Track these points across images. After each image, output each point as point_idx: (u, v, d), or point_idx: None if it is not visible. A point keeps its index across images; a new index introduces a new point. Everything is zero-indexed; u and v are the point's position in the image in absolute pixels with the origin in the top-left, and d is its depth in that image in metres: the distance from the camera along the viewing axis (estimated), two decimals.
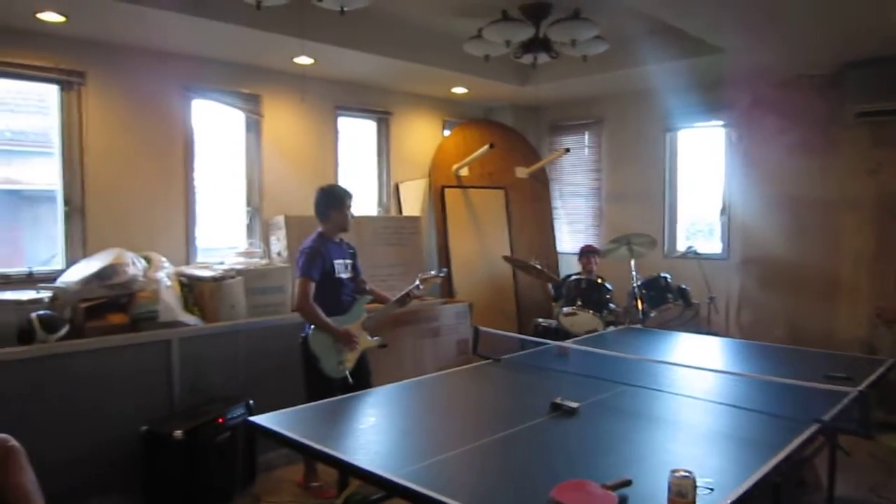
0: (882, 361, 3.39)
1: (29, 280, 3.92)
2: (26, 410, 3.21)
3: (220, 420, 3.58)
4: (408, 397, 2.88)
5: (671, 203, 6.22)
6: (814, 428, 2.27)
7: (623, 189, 6.48)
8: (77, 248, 4.18)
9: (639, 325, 4.83)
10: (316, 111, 5.42)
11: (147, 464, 3.43)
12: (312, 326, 3.57)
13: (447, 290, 5.74)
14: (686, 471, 1.66)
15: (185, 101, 4.67)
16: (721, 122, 5.84)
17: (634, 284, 5.13)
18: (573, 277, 5.43)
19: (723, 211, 5.83)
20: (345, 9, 3.51)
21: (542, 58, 4.55)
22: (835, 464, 2.99)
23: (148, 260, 4.03)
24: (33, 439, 2.79)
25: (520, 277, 6.20)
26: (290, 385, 3.64)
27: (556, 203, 7.01)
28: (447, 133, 6.47)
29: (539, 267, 5.42)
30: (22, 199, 4.28)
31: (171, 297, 3.89)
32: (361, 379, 3.66)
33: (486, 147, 5.79)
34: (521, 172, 6.63)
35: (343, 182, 5.40)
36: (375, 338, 3.79)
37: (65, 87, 4.14)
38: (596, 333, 4.52)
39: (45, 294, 3.59)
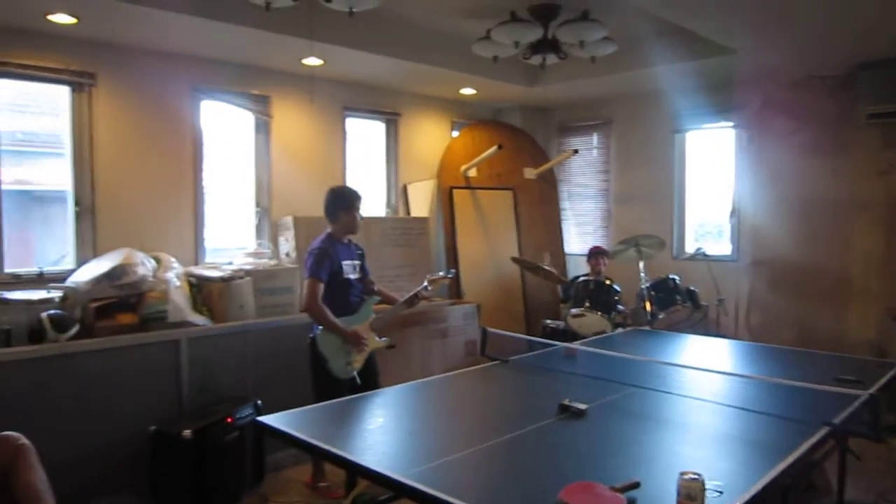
0: (893, 364, 3.36)
1: (39, 280, 3.95)
2: (36, 409, 3.23)
3: (229, 420, 3.60)
4: (416, 398, 2.88)
5: (680, 204, 6.20)
6: (824, 431, 2.26)
7: (632, 190, 6.46)
8: (87, 248, 4.21)
9: (647, 327, 4.81)
10: (325, 112, 5.43)
11: (155, 463, 3.45)
12: (321, 327, 3.57)
13: (455, 291, 5.73)
14: (695, 473, 1.65)
15: (195, 102, 4.69)
16: (731, 124, 5.81)
17: (643, 286, 5.12)
18: (581, 279, 5.42)
19: (732, 212, 5.80)
20: (353, 10, 3.52)
21: (551, 59, 4.56)
22: (845, 468, 2.98)
23: (157, 260, 4.06)
24: (43, 438, 2.80)
25: (528, 278, 6.20)
26: (299, 385, 3.65)
27: (565, 204, 7.00)
28: (455, 134, 6.47)
29: (547, 268, 5.41)
30: (33, 200, 4.30)
31: (180, 298, 3.91)
32: (369, 380, 3.67)
33: (494, 148, 5.79)
34: (530, 173, 6.63)
35: (351, 183, 5.43)
36: (384, 339, 3.79)
37: (76, 88, 4.17)
38: (604, 335, 4.51)
39: (56, 294, 3.62)
